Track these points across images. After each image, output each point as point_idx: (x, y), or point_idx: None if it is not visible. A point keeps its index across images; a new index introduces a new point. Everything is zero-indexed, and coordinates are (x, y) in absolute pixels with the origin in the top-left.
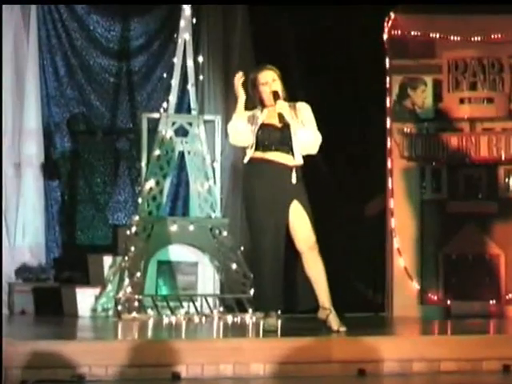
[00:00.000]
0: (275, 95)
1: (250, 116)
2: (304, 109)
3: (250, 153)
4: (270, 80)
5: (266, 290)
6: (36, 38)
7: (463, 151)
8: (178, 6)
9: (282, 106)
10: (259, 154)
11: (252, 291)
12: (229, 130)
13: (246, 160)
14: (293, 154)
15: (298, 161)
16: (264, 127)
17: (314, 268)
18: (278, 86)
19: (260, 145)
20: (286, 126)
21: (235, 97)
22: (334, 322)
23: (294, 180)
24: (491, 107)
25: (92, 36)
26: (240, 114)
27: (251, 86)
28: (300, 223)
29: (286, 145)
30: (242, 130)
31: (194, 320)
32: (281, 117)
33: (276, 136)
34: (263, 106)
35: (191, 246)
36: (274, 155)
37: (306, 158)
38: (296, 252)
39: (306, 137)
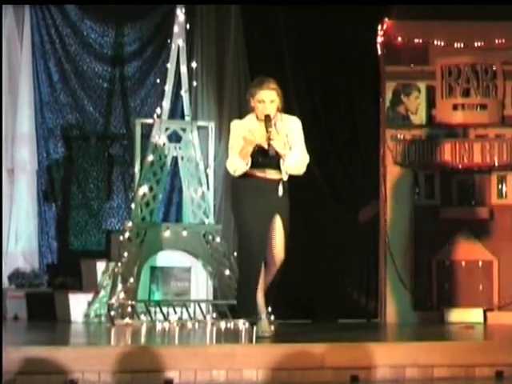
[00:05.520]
0: (266, 118)
1: (244, 126)
2: (295, 127)
3: None
4: (267, 101)
5: (252, 296)
6: (29, 44)
7: (456, 157)
8: (172, 11)
9: (275, 132)
10: (248, 170)
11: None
12: (229, 167)
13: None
14: (280, 170)
15: (285, 176)
16: (255, 147)
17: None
18: (272, 109)
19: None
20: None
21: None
22: (264, 326)
23: (280, 192)
24: (484, 114)
25: (85, 42)
26: (237, 152)
27: (249, 95)
28: (275, 239)
29: (273, 164)
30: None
31: (187, 326)
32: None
33: (265, 157)
34: (256, 115)
35: (184, 252)
36: (261, 171)
37: None
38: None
39: (294, 161)
